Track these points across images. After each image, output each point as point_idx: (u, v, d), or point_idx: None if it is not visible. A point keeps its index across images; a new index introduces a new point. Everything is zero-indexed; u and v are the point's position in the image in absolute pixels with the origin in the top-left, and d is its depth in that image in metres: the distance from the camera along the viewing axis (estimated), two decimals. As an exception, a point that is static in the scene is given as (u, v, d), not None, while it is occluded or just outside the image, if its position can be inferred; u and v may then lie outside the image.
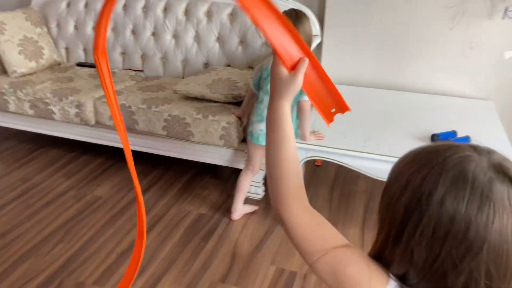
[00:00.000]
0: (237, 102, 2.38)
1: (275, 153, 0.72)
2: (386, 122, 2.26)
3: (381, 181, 2.00)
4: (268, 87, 1.89)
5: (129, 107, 2.40)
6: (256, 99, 2.04)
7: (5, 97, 2.63)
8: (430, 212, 0.57)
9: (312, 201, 2.21)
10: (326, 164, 2.60)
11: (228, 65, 2.78)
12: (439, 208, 0.56)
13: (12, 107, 2.65)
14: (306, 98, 1.85)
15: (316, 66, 0.74)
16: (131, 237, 2.07)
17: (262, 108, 1.95)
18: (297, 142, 1.93)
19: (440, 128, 2.11)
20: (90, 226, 2.15)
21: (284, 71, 0.72)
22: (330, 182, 2.51)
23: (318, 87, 0.75)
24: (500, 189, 0.56)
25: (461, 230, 0.55)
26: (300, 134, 1.99)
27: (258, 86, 2.01)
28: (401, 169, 0.64)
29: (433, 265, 0.58)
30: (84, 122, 2.52)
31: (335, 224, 1.88)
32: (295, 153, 0.72)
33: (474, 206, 0.55)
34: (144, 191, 2.42)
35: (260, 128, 1.96)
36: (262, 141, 1.97)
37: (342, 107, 0.76)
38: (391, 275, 0.64)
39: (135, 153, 2.58)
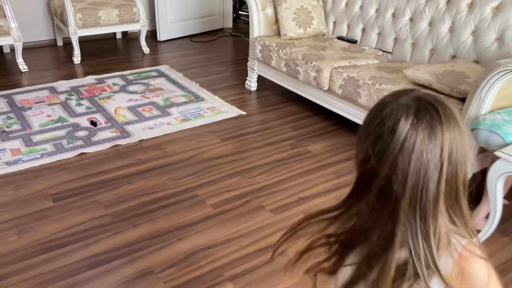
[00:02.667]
0: (462, 98, 2.27)
1: None
2: None
3: None
4: None
5: (357, 80, 2.60)
6: None
7: (271, 53, 3.21)
8: None
9: None
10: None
11: (476, 62, 2.61)
12: None
13: (273, 62, 3.21)
14: None
15: None
16: (317, 189, 2.32)
17: None
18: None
19: None
20: (291, 169, 2.50)
21: None
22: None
23: None
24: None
25: None
26: None
27: None
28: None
29: None
30: (319, 86, 2.85)
31: None
32: None
33: None
34: (346, 159, 2.62)
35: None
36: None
37: None
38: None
39: (354, 124, 2.80)
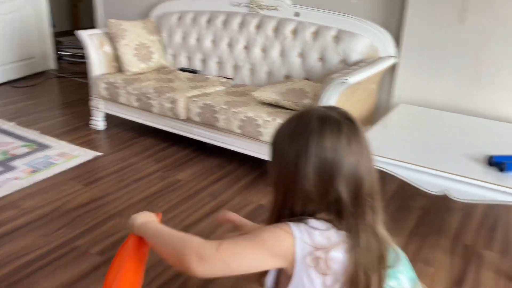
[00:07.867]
0: (306, 111, 2.63)
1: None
2: (447, 142, 2.33)
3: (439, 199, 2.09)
4: None
5: (213, 106, 2.78)
6: None
7: (118, 90, 3.18)
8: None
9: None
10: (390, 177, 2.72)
11: (307, 79, 3.04)
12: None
13: (122, 99, 3.18)
14: None
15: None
16: (199, 214, 2.40)
17: None
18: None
19: (500, 152, 2.15)
20: (167, 200, 2.53)
21: None
22: (389, 194, 2.63)
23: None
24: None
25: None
26: None
27: None
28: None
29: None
30: (176, 116, 2.95)
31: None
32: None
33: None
34: (216, 181, 2.76)
35: None
36: None
37: None
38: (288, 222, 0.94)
39: (216, 148, 2.97)
